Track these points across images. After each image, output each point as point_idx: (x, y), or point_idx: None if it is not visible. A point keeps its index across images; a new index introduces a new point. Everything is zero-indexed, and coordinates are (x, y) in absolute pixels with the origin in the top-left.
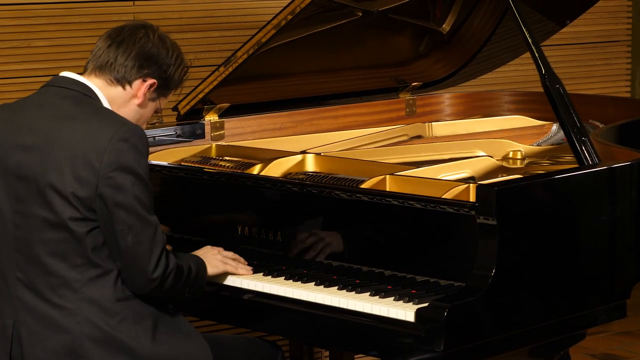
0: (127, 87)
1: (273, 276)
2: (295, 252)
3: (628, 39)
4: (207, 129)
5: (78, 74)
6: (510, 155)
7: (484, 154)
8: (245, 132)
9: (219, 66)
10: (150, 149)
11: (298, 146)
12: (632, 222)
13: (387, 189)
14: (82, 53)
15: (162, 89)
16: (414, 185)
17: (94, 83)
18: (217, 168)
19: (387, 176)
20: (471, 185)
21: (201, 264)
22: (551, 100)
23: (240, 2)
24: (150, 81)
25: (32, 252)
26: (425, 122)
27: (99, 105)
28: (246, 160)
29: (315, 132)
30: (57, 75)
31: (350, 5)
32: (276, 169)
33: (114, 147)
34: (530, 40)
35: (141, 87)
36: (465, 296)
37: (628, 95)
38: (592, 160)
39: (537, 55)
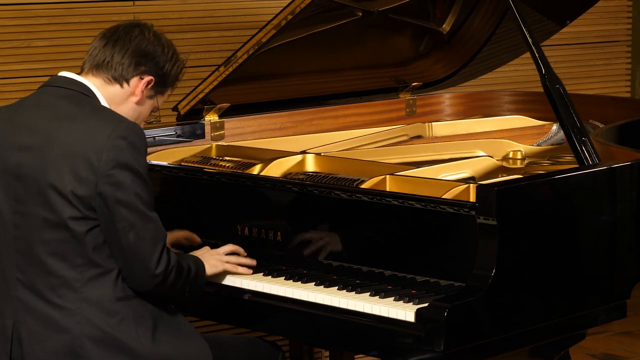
0: (125, 85)
1: (273, 276)
2: (295, 252)
3: (628, 39)
4: (207, 129)
5: (76, 74)
6: (511, 155)
7: (484, 154)
8: (246, 132)
9: (219, 66)
10: (151, 149)
11: (298, 146)
12: (632, 222)
13: (387, 189)
14: (82, 53)
15: (159, 86)
16: (414, 185)
17: (92, 82)
18: (217, 168)
19: (387, 176)
20: (471, 185)
21: (200, 264)
22: (551, 100)
23: (240, 2)
24: (147, 78)
25: (32, 252)
26: (425, 122)
27: (97, 104)
28: (246, 161)
29: (315, 132)
30: (55, 75)
31: (350, 5)
32: (276, 169)
33: (112, 145)
34: (530, 40)
35: (139, 84)
36: (465, 296)
37: (628, 95)
38: (592, 160)
39: (537, 55)
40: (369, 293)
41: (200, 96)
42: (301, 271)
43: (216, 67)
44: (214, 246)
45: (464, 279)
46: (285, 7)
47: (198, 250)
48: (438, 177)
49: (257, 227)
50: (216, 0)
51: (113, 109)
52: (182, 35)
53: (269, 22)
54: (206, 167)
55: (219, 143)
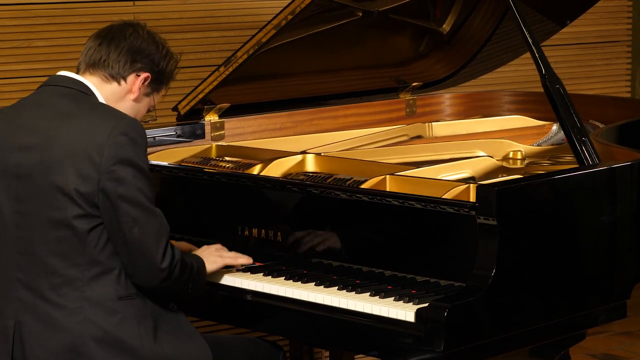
0: (122, 82)
1: (273, 276)
2: (295, 252)
3: (628, 39)
4: (207, 129)
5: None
6: (511, 155)
7: (484, 154)
8: (246, 132)
9: (219, 66)
10: (151, 149)
11: (298, 146)
12: (632, 222)
13: (387, 189)
14: None
15: (155, 84)
16: (414, 185)
17: (90, 81)
18: (217, 168)
19: (387, 176)
20: (471, 185)
21: (200, 261)
22: (551, 100)
23: (240, 2)
24: (144, 75)
25: (33, 252)
26: (425, 122)
27: (96, 101)
28: (246, 161)
29: (315, 132)
30: (54, 74)
31: (351, 5)
32: (276, 169)
33: (113, 141)
34: (530, 41)
35: (136, 81)
36: (465, 296)
37: (628, 95)
38: (592, 160)
39: (537, 55)
40: (369, 293)
41: (200, 96)
42: (301, 271)
43: (216, 67)
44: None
45: (464, 279)
46: (285, 7)
47: (197, 249)
48: (438, 177)
49: (257, 227)
50: (216, 0)
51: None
52: (182, 35)
53: (269, 22)
54: (206, 167)
55: (219, 143)
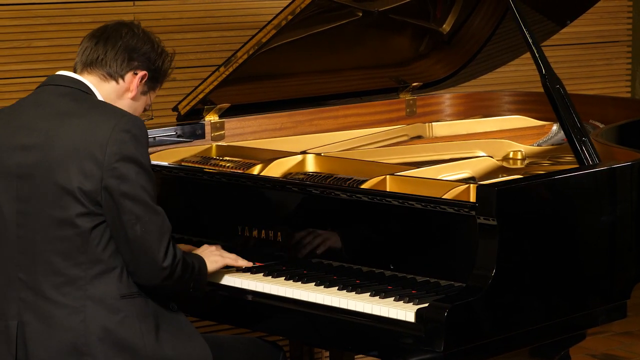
0: (120, 81)
1: (273, 276)
2: (296, 253)
3: (628, 39)
4: (208, 129)
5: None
6: (511, 155)
7: (484, 154)
8: (246, 133)
9: (219, 66)
10: (151, 149)
11: (298, 146)
12: (632, 222)
13: (388, 189)
14: None
15: (152, 82)
16: (414, 185)
17: (88, 80)
18: (217, 168)
19: (388, 176)
20: (471, 185)
21: (202, 261)
22: (551, 100)
23: (240, 2)
24: (141, 73)
25: (36, 251)
26: (425, 123)
27: (97, 99)
28: (246, 161)
29: (315, 133)
30: (53, 74)
31: (351, 5)
32: (276, 169)
33: (115, 138)
34: (530, 41)
35: (133, 79)
36: (465, 296)
37: (628, 95)
38: (592, 160)
39: (537, 55)
40: (369, 293)
41: (201, 96)
42: (301, 271)
43: (216, 67)
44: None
45: (464, 279)
46: (285, 7)
47: (197, 249)
48: (438, 177)
49: (257, 227)
50: (216, 1)
51: None
52: (182, 35)
53: (269, 22)
54: (206, 167)
55: (219, 143)
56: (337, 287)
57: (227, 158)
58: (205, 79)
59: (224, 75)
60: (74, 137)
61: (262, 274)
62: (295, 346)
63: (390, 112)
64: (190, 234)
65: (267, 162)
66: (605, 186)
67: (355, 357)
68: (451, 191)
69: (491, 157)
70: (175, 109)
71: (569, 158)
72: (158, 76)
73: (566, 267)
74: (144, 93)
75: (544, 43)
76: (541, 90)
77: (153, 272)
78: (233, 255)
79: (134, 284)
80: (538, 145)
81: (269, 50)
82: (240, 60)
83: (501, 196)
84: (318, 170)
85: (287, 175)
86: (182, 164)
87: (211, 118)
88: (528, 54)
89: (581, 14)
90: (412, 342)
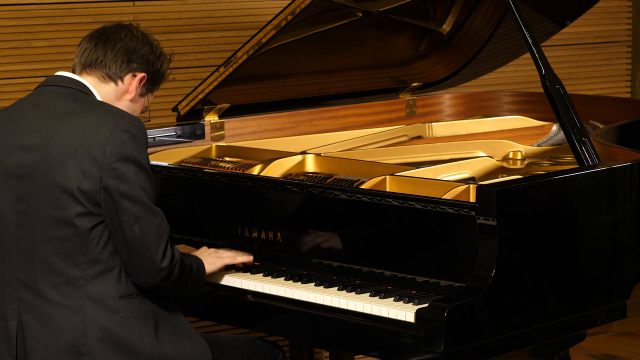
0: (119, 82)
1: (273, 277)
2: (295, 253)
3: (628, 39)
4: (207, 129)
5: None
6: (511, 155)
7: (484, 155)
8: (246, 133)
9: (219, 67)
10: (151, 150)
11: (298, 147)
12: (632, 223)
13: (387, 190)
14: None
15: (150, 84)
16: (414, 185)
17: (87, 81)
18: (217, 169)
19: (387, 177)
20: (471, 185)
21: (200, 262)
22: (551, 100)
23: (240, 2)
24: (140, 75)
25: (35, 252)
26: (425, 123)
27: (96, 100)
28: (246, 161)
29: (315, 133)
30: (52, 75)
31: (351, 5)
32: (276, 170)
33: (115, 138)
34: (530, 41)
35: (132, 81)
36: (465, 297)
37: (628, 95)
38: (592, 160)
39: (537, 55)
40: (369, 293)
41: (200, 97)
42: (301, 272)
43: (216, 67)
44: (213, 247)
45: (464, 279)
46: (285, 8)
47: (196, 251)
48: (438, 178)
49: (257, 227)
50: (216, 1)
51: None
52: (182, 35)
53: (269, 22)
54: (206, 167)
55: (219, 143)
56: (337, 288)
57: (227, 158)
58: (205, 79)
59: (223, 76)
60: (73, 137)
61: (262, 274)
62: (295, 346)
63: (390, 113)
64: (190, 235)
65: (267, 162)
66: (605, 186)
67: (355, 357)
68: (451, 191)
69: (491, 157)
70: (175, 109)
71: (569, 158)
72: (157, 78)
73: (566, 267)
74: (142, 95)
75: (544, 43)
76: (541, 90)
77: (151, 273)
78: (231, 253)
79: (133, 284)
80: (538, 146)
81: (268, 50)
82: (240, 61)
83: (501, 196)
84: (318, 171)
85: (287, 175)
86: (182, 164)
87: (211, 118)
88: (528, 54)
89: (581, 14)
90: (412, 342)
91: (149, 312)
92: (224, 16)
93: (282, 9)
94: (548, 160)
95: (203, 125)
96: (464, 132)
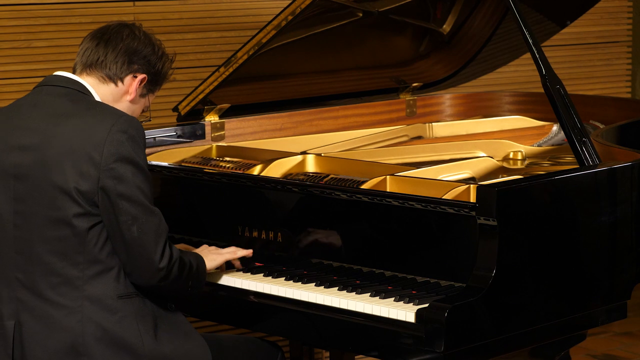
0: (119, 83)
1: (273, 277)
2: (296, 253)
3: (628, 39)
4: (208, 129)
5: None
6: (511, 155)
7: (485, 155)
8: (246, 133)
9: (219, 67)
10: (151, 150)
11: (298, 147)
12: (632, 223)
13: (388, 190)
14: None
15: (151, 85)
16: (414, 185)
17: (87, 81)
18: (217, 169)
19: (388, 177)
20: (472, 185)
21: (200, 259)
22: (551, 100)
23: (241, 2)
24: (141, 76)
25: (33, 252)
26: (425, 123)
27: (94, 100)
28: (246, 161)
29: (315, 133)
30: (50, 75)
31: (351, 6)
32: (276, 170)
33: (112, 138)
34: (530, 41)
35: (132, 83)
36: (465, 297)
37: (628, 95)
38: (592, 160)
39: (537, 55)
40: (369, 294)
41: (201, 97)
42: (301, 272)
43: (216, 67)
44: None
45: (465, 279)
46: (285, 8)
47: (195, 249)
48: (438, 178)
49: (257, 227)
50: (216, 1)
51: None
52: (182, 35)
53: (269, 22)
54: (206, 167)
55: (220, 143)
56: (337, 288)
57: (228, 158)
58: (206, 80)
59: (224, 76)
60: (71, 137)
61: (262, 274)
62: (295, 346)
63: (391, 113)
64: (190, 235)
65: (267, 162)
66: (606, 187)
67: (356, 357)
68: (451, 191)
69: (491, 157)
70: (175, 109)
71: (569, 158)
72: (158, 79)
73: (566, 267)
74: (142, 95)
75: (544, 43)
76: (541, 90)
77: (149, 273)
78: (231, 249)
79: (132, 284)
80: (538, 146)
81: (269, 50)
82: (241, 61)
83: (501, 197)
84: (318, 171)
85: (287, 175)
86: (183, 164)
87: (211, 118)
88: (528, 54)
89: (581, 15)
90: (412, 342)
91: (148, 312)
92: (225, 16)
93: (282, 9)
94: (548, 161)
95: (203, 125)
96: (464, 132)
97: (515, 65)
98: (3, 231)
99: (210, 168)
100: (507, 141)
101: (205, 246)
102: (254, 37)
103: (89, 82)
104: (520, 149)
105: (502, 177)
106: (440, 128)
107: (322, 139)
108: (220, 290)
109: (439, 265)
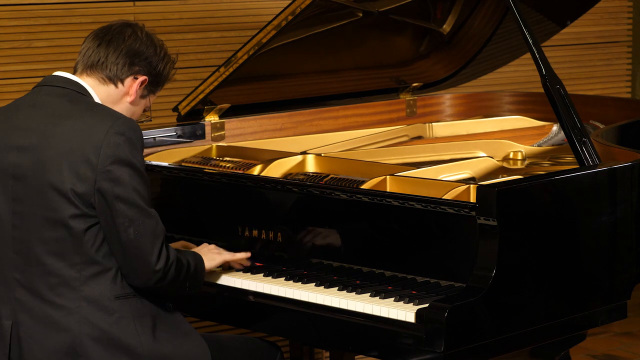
0: (120, 84)
1: (273, 277)
2: (296, 253)
3: (629, 39)
4: (208, 129)
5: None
6: (511, 156)
7: (485, 155)
8: (246, 133)
9: (220, 67)
10: (151, 150)
11: (298, 147)
12: (632, 223)
13: (388, 190)
14: None
15: (152, 86)
16: (414, 186)
17: (87, 82)
18: (217, 169)
19: (388, 177)
20: (472, 186)
21: (199, 259)
22: (552, 100)
23: (241, 2)
24: (141, 78)
25: (31, 252)
26: (425, 123)
27: (92, 101)
28: (247, 161)
29: (315, 133)
30: (50, 75)
31: (351, 6)
32: (276, 170)
33: (110, 140)
34: (530, 41)
35: (133, 84)
36: (465, 297)
37: (629, 95)
38: (592, 161)
39: (537, 55)
40: (369, 294)
41: (201, 97)
42: (301, 272)
43: (216, 67)
44: None
45: (465, 279)
46: (285, 8)
47: (195, 248)
48: (438, 178)
49: (257, 227)
50: (216, 1)
51: None
52: (182, 35)
53: (269, 22)
54: (206, 167)
55: (220, 143)
56: (337, 288)
57: (228, 158)
58: (206, 80)
59: (224, 76)
60: (68, 138)
61: (262, 274)
62: (295, 346)
63: (391, 113)
64: (190, 234)
65: (267, 162)
66: (606, 187)
67: (356, 357)
68: (451, 192)
69: (491, 157)
70: (175, 109)
71: (569, 158)
72: (159, 80)
73: (566, 267)
74: (143, 97)
75: (544, 43)
76: (541, 90)
77: (146, 275)
78: (230, 252)
79: (129, 285)
80: (538, 146)
81: (269, 50)
82: (241, 61)
83: (501, 197)
84: (318, 171)
85: (287, 175)
86: (183, 164)
87: (211, 118)
88: (528, 54)
89: (581, 15)
90: (412, 342)
91: (147, 312)
92: (225, 16)
93: (282, 9)
94: (548, 161)
95: (203, 125)
96: (464, 132)
97: (515, 65)
98: (1, 231)
99: (210, 168)
100: (507, 141)
101: (205, 244)
102: (254, 37)
103: (89, 83)
104: (520, 149)
105: (502, 177)
106: (441, 128)
107: (322, 139)
108: (220, 291)
109: (439, 265)
